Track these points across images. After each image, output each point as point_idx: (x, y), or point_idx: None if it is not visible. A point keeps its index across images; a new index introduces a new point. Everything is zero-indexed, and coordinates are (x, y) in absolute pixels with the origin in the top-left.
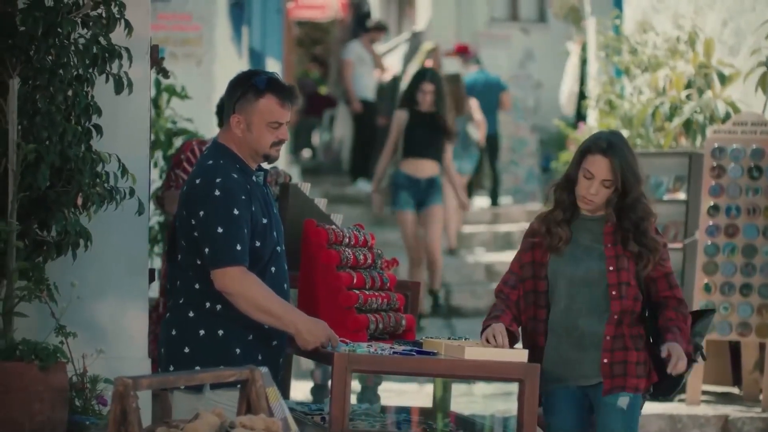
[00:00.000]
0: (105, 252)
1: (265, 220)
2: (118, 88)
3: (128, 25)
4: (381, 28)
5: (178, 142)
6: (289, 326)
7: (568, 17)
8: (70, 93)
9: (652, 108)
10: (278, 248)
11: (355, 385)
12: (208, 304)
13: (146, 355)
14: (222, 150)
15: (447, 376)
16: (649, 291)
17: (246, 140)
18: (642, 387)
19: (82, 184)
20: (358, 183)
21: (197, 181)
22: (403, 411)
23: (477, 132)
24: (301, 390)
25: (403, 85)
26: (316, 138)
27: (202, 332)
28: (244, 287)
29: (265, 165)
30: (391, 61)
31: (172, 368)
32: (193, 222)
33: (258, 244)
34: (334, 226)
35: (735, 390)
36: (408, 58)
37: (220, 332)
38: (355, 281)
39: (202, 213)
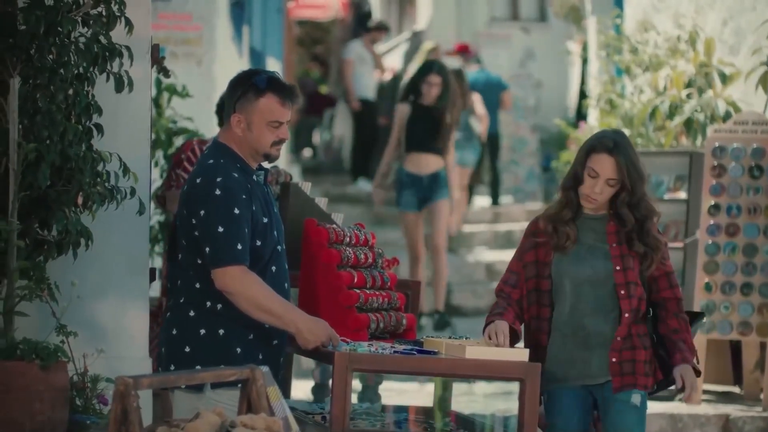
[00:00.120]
0: (106, 251)
1: (265, 220)
2: (119, 87)
3: (128, 23)
4: (382, 29)
5: (178, 141)
6: (290, 325)
7: (568, 16)
8: (70, 92)
9: (652, 107)
10: (279, 247)
11: (356, 384)
12: (208, 304)
13: (147, 354)
14: (222, 149)
15: (448, 376)
16: (650, 289)
17: (246, 139)
18: (649, 385)
19: (82, 183)
20: (359, 182)
21: (198, 181)
22: (403, 410)
23: (479, 125)
24: (301, 389)
25: (404, 85)
26: (317, 137)
27: (202, 331)
28: (244, 286)
29: (266, 164)
30: (392, 60)
31: (172, 367)
32: (194, 221)
33: (258, 243)
34: (334, 226)
35: (736, 389)
36: (408, 58)
37: (221, 331)
38: (355, 280)
39: (202, 212)
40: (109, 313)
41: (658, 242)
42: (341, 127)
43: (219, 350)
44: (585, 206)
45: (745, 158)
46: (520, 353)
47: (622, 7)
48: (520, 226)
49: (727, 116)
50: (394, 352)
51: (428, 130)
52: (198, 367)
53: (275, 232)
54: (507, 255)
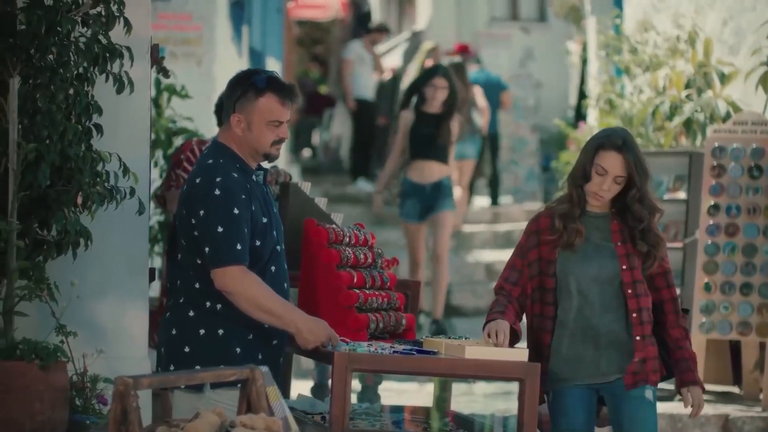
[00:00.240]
0: (105, 251)
1: (265, 219)
2: (120, 88)
3: (127, 23)
4: (383, 30)
5: (178, 141)
6: (290, 325)
7: (568, 16)
8: (70, 92)
9: (652, 107)
10: (278, 247)
11: (355, 384)
12: (208, 304)
13: (146, 354)
14: (222, 149)
15: (447, 376)
16: (649, 287)
17: (246, 139)
18: (657, 380)
19: (82, 183)
20: (359, 182)
21: (197, 181)
22: (399, 410)
23: (480, 118)
24: (301, 389)
25: (403, 85)
26: (316, 137)
27: (202, 331)
28: (244, 286)
29: (266, 164)
30: (391, 60)
31: (172, 367)
32: (194, 221)
33: (258, 243)
34: (334, 226)
35: (735, 389)
36: (408, 58)
37: (221, 331)
38: (355, 280)
39: (202, 212)
40: (108, 313)
41: (660, 240)
42: (339, 127)
43: (218, 350)
44: (591, 203)
45: (744, 158)
46: (520, 353)
47: (622, 7)
48: (519, 227)
49: (726, 116)
50: (394, 352)
51: (431, 138)
52: (198, 367)
53: (274, 232)
54: (507, 255)
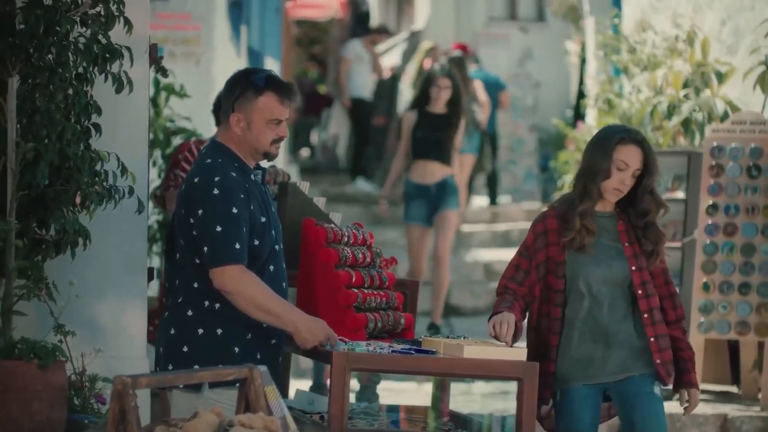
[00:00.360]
0: (104, 251)
1: (263, 219)
2: (119, 88)
3: (128, 23)
4: (384, 32)
5: (176, 140)
6: (288, 325)
7: (567, 16)
8: (69, 92)
9: (650, 107)
10: (277, 247)
11: (354, 384)
12: (206, 303)
13: (145, 354)
14: (220, 149)
15: (446, 375)
16: None
17: (246, 138)
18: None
19: (81, 182)
20: (357, 182)
21: (196, 180)
22: (394, 409)
23: (480, 112)
24: (299, 389)
25: (402, 85)
26: (315, 137)
27: (200, 331)
28: (243, 286)
29: (264, 163)
30: (390, 60)
31: (171, 367)
32: (192, 221)
33: (256, 242)
34: (332, 225)
35: (734, 389)
36: (407, 58)
37: (219, 331)
38: (353, 280)
39: (200, 211)
40: (107, 312)
41: (662, 235)
42: (336, 126)
43: (217, 350)
44: (609, 200)
45: (743, 158)
46: (518, 352)
47: (621, 6)
48: (518, 226)
49: (725, 116)
50: (393, 351)
51: (435, 138)
52: (196, 366)
53: (273, 232)
54: (505, 255)
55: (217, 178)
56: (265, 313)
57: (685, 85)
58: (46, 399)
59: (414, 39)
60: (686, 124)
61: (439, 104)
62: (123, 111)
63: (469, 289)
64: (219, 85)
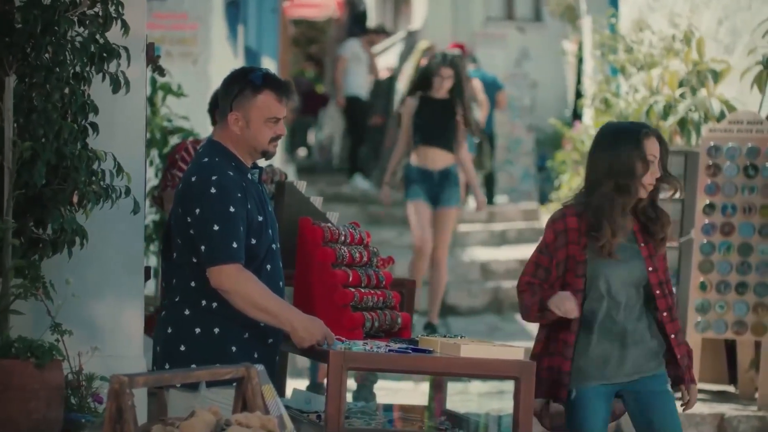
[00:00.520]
0: (101, 250)
1: (260, 218)
2: (116, 88)
3: (125, 25)
4: (381, 31)
5: (173, 140)
6: (285, 324)
7: (564, 16)
8: (66, 91)
9: (647, 106)
10: (273, 246)
11: (351, 383)
12: (203, 302)
13: (142, 353)
14: (217, 148)
15: (443, 374)
16: None
17: (244, 137)
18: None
19: (78, 182)
20: (355, 179)
21: (193, 179)
22: (389, 408)
23: (479, 111)
24: (297, 388)
25: (399, 85)
26: (312, 137)
27: (197, 330)
28: (240, 285)
29: (261, 162)
30: (387, 59)
31: (168, 366)
32: (189, 220)
33: (253, 241)
34: (329, 224)
35: (731, 388)
36: (403, 58)
37: (216, 330)
38: (350, 279)
39: (197, 210)
40: (104, 311)
41: (666, 215)
42: (331, 125)
43: (214, 349)
44: (641, 195)
45: (740, 157)
46: (515, 351)
47: (617, 6)
48: (515, 226)
49: (721, 116)
50: (389, 350)
51: (437, 124)
52: (193, 365)
53: (270, 231)
54: (502, 254)
55: (214, 177)
56: (262, 312)
57: (681, 85)
58: (43, 398)
59: (411, 39)
60: (683, 123)
61: (441, 92)
62: (120, 110)
63: (466, 289)
64: (216, 85)
